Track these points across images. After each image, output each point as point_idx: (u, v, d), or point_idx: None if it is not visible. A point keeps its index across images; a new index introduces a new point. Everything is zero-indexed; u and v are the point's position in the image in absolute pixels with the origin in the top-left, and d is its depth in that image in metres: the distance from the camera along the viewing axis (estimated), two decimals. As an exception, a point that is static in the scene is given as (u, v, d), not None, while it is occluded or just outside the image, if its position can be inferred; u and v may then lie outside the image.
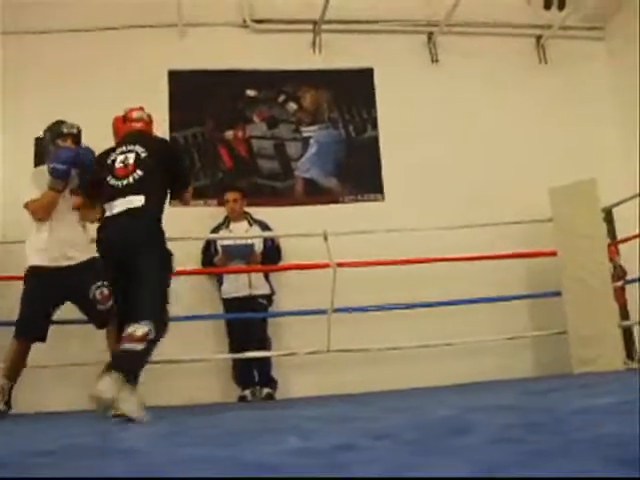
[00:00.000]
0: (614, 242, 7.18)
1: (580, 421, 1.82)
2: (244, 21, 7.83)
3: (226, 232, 6.90)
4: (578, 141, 7.87)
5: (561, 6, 8.61)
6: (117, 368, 3.68)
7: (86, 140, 6.82)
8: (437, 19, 8.03)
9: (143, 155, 4.40)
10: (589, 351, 6.40)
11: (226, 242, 6.80)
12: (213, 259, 6.83)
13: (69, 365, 6.23)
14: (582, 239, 6.65)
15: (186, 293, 6.73)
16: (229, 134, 7.60)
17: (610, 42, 8.62)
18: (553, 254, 6.81)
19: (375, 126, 7.83)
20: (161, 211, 4.40)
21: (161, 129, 7.30)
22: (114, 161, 4.43)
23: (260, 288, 6.81)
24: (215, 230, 6.95)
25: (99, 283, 5.09)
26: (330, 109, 7.82)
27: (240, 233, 6.87)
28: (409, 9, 8.05)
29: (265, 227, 6.99)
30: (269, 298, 6.89)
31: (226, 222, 6.98)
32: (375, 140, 7.78)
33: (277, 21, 7.88)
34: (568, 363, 6.55)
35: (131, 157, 4.40)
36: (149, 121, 4.83)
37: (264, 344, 6.66)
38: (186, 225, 6.80)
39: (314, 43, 7.94)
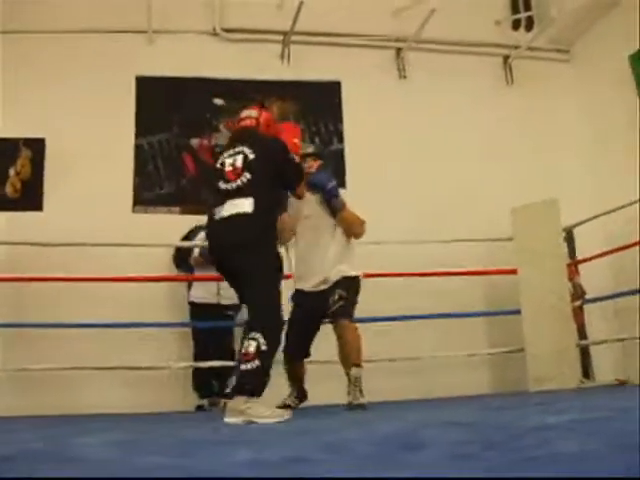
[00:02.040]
0: (574, 262, 7.24)
1: (535, 439, 1.83)
2: (214, 29, 7.83)
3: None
4: (542, 161, 7.97)
5: (529, 27, 8.73)
6: (240, 392, 3.89)
7: (53, 142, 6.82)
8: (406, 35, 8.08)
9: (251, 157, 4.42)
10: (546, 369, 6.45)
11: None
12: (188, 259, 6.82)
13: (13, 371, 6.18)
14: (542, 258, 6.70)
15: (152, 299, 6.72)
16: (195, 142, 7.57)
17: (575, 65, 8.73)
18: (513, 272, 6.85)
19: (341, 139, 7.86)
20: (271, 212, 4.45)
21: (126, 134, 7.32)
22: (223, 164, 4.48)
23: (228, 297, 6.77)
24: (195, 229, 6.92)
25: None
26: (297, 121, 7.82)
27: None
28: (379, 24, 8.09)
29: None
30: (237, 308, 6.87)
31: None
32: (341, 153, 7.79)
33: (247, 31, 7.89)
34: (525, 381, 6.59)
35: (239, 159, 4.43)
36: (258, 118, 4.74)
37: (228, 355, 6.63)
38: (150, 231, 6.79)
39: (283, 54, 7.96)
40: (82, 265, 6.50)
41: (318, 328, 5.30)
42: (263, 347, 3.91)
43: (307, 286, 5.26)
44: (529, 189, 7.18)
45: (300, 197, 4.85)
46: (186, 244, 6.83)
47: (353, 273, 5.17)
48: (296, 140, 4.87)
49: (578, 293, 7.07)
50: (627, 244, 6.85)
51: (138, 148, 7.41)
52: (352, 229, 5.25)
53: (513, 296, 6.86)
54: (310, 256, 5.28)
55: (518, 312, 6.79)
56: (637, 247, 6.72)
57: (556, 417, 2.64)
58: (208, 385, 6.60)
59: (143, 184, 7.34)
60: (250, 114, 4.75)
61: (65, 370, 6.21)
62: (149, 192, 7.33)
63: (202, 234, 6.87)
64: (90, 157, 7.13)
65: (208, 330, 6.68)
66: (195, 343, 6.70)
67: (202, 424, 4.13)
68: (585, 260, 7.25)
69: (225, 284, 6.72)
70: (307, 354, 5.33)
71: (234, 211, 4.27)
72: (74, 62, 7.32)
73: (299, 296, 5.30)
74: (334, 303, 5.01)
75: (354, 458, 1.61)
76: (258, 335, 3.94)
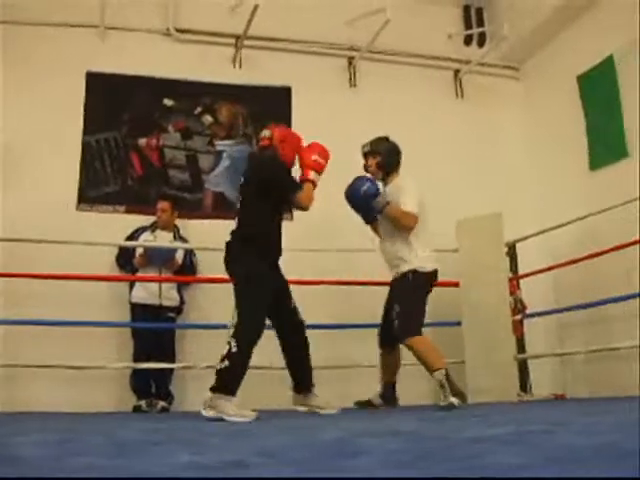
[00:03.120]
0: (516, 276, 7.32)
1: (471, 450, 1.84)
2: (167, 29, 7.78)
3: (150, 236, 6.84)
4: (488, 175, 8.05)
5: (481, 43, 8.84)
6: (211, 388, 4.31)
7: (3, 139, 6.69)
8: (359, 44, 8.11)
9: (243, 180, 4.98)
10: (485, 382, 6.50)
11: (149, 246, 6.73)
12: (132, 259, 6.78)
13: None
14: (485, 271, 6.77)
15: (94, 298, 6.64)
16: (142, 141, 7.51)
17: (525, 82, 8.86)
18: (456, 284, 6.90)
19: (288, 145, 7.84)
20: (252, 230, 4.80)
21: (74, 131, 7.22)
22: None
23: (170, 299, 6.75)
24: (139, 231, 6.87)
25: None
26: (245, 125, 7.80)
27: (163, 242, 6.79)
28: (332, 32, 8.12)
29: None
30: (179, 310, 6.84)
31: (153, 227, 6.91)
32: (287, 159, 7.78)
33: (200, 32, 7.86)
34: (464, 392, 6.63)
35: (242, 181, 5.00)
36: (271, 137, 5.00)
37: (168, 357, 6.59)
38: (94, 230, 6.72)
39: (235, 57, 7.94)
40: (24, 262, 6.40)
41: None
42: (234, 349, 4.33)
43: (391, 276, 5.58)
44: (475, 202, 7.24)
45: (302, 207, 4.91)
46: (130, 244, 6.77)
47: (414, 267, 5.32)
48: (315, 157, 4.96)
49: (519, 307, 7.15)
50: (568, 260, 6.95)
51: (86, 145, 7.32)
52: (398, 225, 5.36)
53: (455, 308, 6.91)
54: (384, 253, 5.61)
55: (459, 324, 6.84)
56: (578, 264, 6.83)
57: (493, 429, 2.66)
58: (146, 386, 6.55)
59: (89, 182, 7.25)
60: (265, 134, 5.05)
61: (2, 367, 6.11)
62: (95, 190, 7.24)
63: (146, 234, 6.84)
64: (37, 152, 7.04)
65: (148, 331, 6.63)
66: (135, 344, 6.64)
67: (139, 424, 4.09)
68: (526, 275, 7.34)
69: (167, 285, 6.72)
70: (392, 342, 5.55)
71: (230, 230, 4.87)
72: (22, 54, 7.21)
73: (391, 283, 5.59)
74: (393, 323, 5.27)
75: (291, 463, 1.61)
76: (232, 339, 4.38)
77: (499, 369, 6.57)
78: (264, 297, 4.66)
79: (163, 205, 6.96)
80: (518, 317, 7.12)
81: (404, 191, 5.42)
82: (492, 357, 6.56)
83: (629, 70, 7.05)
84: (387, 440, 2.30)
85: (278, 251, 4.95)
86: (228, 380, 4.33)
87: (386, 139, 5.72)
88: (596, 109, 7.54)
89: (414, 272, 5.32)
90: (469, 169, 8.04)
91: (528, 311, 7.24)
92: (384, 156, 5.61)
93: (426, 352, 5.14)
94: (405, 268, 5.35)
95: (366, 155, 5.66)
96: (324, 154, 5.00)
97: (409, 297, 5.29)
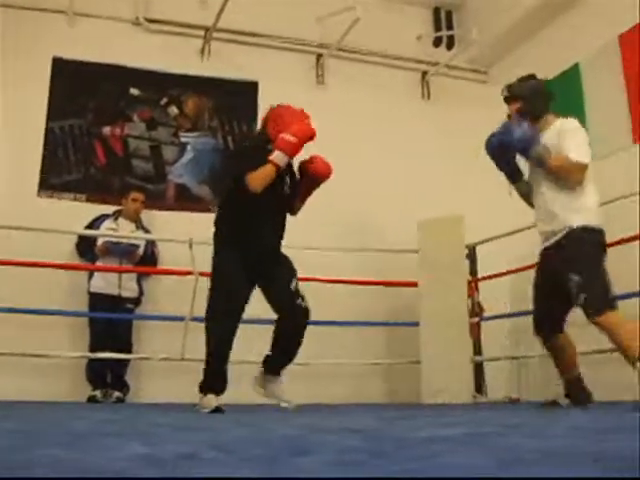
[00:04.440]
0: (474, 279, 7.37)
1: (424, 450, 1.85)
2: (137, 18, 7.73)
3: (112, 224, 6.80)
4: (452, 177, 8.09)
5: (450, 46, 8.89)
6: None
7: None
8: (328, 42, 8.12)
9: None
10: (440, 382, 6.54)
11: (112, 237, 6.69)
12: (92, 247, 6.74)
13: None
14: (444, 273, 6.80)
15: (51, 286, 6.58)
16: (106, 130, 7.46)
17: (492, 86, 8.90)
18: (415, 285, 6.93)
19: (254, 140, 7.84)
20: (221, 219, 4.65)
21: (37, 116, 7.14)
22: None
23: (129, 290, 6.71)
24: (100, 218, 6.81)
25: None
26: (211, 117, 7.78)
27: (125, 231, 6.76)
28: (301, 29, 8.13)
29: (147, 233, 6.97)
30: (137, 301, 6.81)
31: (115, 215, 6.87)
32: (253, 154, 7.77)
33: (170, 23, 7.83)
34: (420, 393, 6.67)
35: None
36: (264, 118, 4.83)
37: (124, 347, 6.56)
38: (54, 217, 6.65)
39: (204, 50, 7.91)
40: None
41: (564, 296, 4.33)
42: (207, 348, 4.34)
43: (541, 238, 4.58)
44: (437, 203, 7.28)
45: (250, 189, 4.34)
46: (91, 233, 6.72)
47: (584, 224, 4.30)
48: (286, 136, 4.40)
49: (476, 310, 7.21)
50: (527, 265, 7.00)
51: (49, 132, 7.25)
52: (564, 179, 4.38)
53: (414, 308, 6.95)
54: (538, 211, 4.63)
55: (417, 324, 6.87)
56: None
57: (447, 430, 2.67)
58: (102, 376, 6.51)
59: (51, 169, 7.18)
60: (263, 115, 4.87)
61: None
62: (56, 177, 7.18)
63: (108, 222, 6.78)
64: (-1, 136, 6.96)
65: (105, 321, 6.58)
66: (91, 333, 6.59)
67: (93, 415, 4.06)
68: (485, 278, 7.39)
69: (127, 276, 6.68)
70: (556, 327, 4.61)
71: None
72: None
73: (546, 251, 4.56)
74: (574, 294, 4.20)
75: (244, 459, 1.61)
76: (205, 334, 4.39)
77: (455, 370, 6.61)
78: (229, 286, 4.46)
79: (138, 196, 6.93)
80: (475, 319, 7.17)
81: (568, 135, 4.45)
82: (449, 358, 6.60)
83: (594, 78, 7.12)
84: (340, 438, 2.30)
85: (261, 241, 4.60)
86: (204, 379, 4.37)
87: (531, 77, 4.76)
88: (560, 116, 7.60)
89: (585, 229, 4.30)
90: (432, 170, 8.08)
91: (486, 314, 7.29)
92: (527, 100, 4.62)
93: (622, 335, 4.05)
94: (573, 224, 4.31)
95: (506, 101, 4.76)
96: (300, 133, 4.43)
97: (589, 261, 4.26)
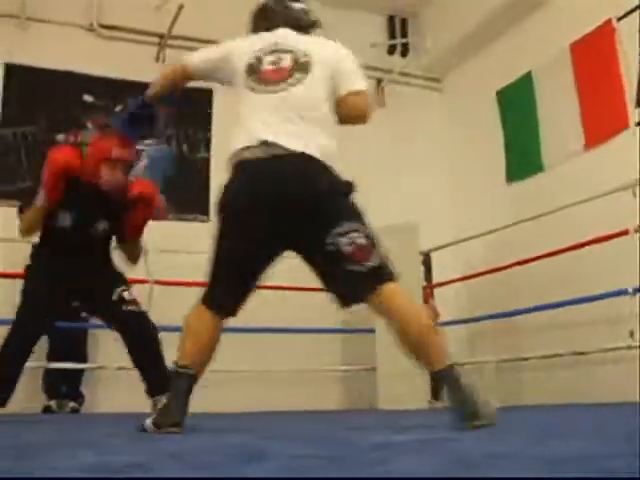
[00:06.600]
0: (429, 285, 7.41)
1: (378, 455, 1.85)
2: (91, 24, 7.67)
3: None
4: (406, 184, 8.11)
5: (404, 54, 8.93)
6: None
7: None
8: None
9: None
10: (396, 388, 6.56)
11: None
12: None
13: None
14: (399, 279, 6.81)
15: (5, 295, 6.48)
16: (61, 138, 7.36)
17: (446, 94, 8.99)
18: (370, 291, 6.94)
19: (208, 148, 7.82)
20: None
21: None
22: None
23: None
24: None
25: None
26: (167, 125, 7.72)
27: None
28: (257, 36, 8.09)
29: None
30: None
31: None
32: (206, 161, 7.78)
33: (125, 29, 7.77)
34: (375, 399, 6.69)
35: None
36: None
37: (79, 357, 6.49)
38: (4, 225, 6.57)
39: (158, 56, 7.86)
40: None
41: None
42: None
43: None
44: (391, 210, 7.29)
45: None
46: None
47: None
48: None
49: (431, 316, 7.23)
50: (481, 271, 7.07)
51: (2, 138, 7.17)
52: None
53: (369, 315, 6.95)
54: None
55: (373, 331, 6.88)
56: (491, 275, 6.95)
57: (402, 435, 2.68)
58: (57, 386, 6.45)
59: (2, 176, 7.08)
60: None
61: None
62: (8, 185, 7.08)
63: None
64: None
65: (61, 331, 6.50)
66: (49, 343, 6.50)
67: (47, 425, 4.02)
68: (440, 284, 7.44)
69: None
70: None
71: None
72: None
73: None
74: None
75: (193, 467, 1.60)
76: None
77: (411, 376, 6.61)
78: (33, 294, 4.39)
79: None
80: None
81: None
82: (404, 364, 6.57)
83: (547, 87, 7.22)
84: (293, 444, 2.30)
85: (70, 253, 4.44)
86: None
87: None
88: (514, 124, 7.70)
89: None
90: (387, 177, 8.10)
91: (440, 320, 7.33)
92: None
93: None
94: None
95: None
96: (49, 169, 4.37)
97: None
